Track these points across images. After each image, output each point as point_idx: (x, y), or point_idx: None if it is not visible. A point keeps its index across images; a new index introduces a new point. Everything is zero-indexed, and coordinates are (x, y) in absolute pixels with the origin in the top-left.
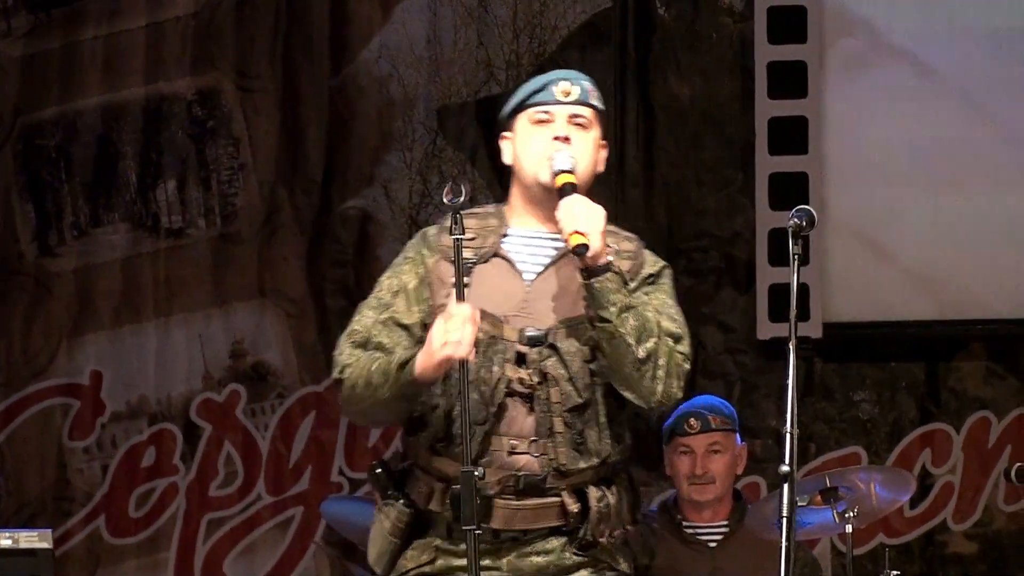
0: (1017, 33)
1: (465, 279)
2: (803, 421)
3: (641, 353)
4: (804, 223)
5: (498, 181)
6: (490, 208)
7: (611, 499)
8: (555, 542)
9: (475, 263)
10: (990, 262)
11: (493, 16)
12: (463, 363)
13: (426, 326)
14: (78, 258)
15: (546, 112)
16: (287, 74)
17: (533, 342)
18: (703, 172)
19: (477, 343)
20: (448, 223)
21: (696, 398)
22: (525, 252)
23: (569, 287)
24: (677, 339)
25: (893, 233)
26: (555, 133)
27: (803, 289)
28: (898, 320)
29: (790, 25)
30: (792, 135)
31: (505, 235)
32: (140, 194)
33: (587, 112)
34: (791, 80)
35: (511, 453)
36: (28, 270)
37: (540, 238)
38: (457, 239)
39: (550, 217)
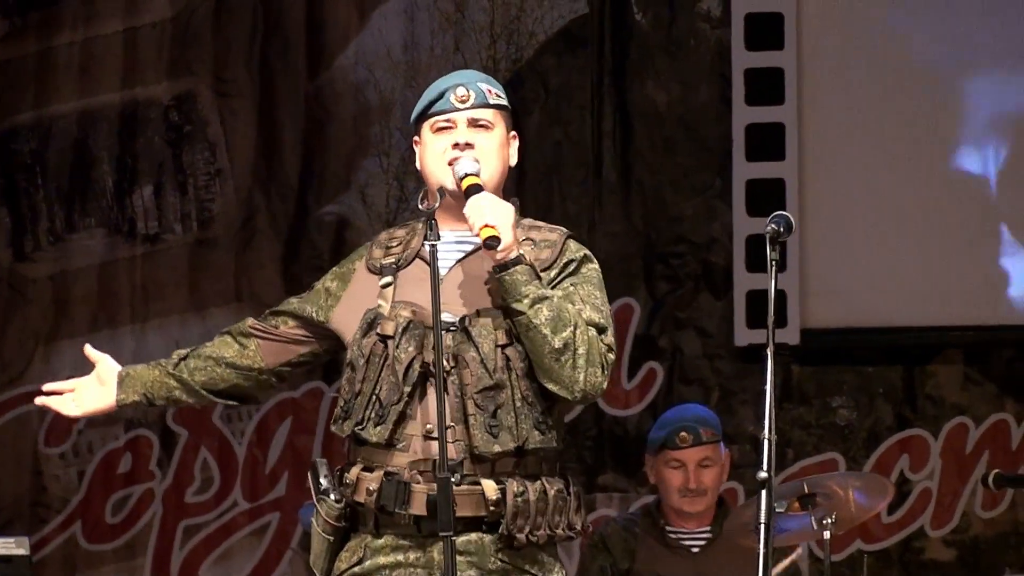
0: (999, 38)
1: (389, 279)
2: (781, 427)
3: (557, 343)
4: (781, 229)
5: None
6: (418, 221)
7: (532, 495)
8: (482, 543)
9: (399, 268)
10: (967, 268)
11: (470, 22)
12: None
13: (310, 320)
14: (54, 264)
15: (447, 120)
16: (264, 79)
17: (447, 327)
18: (680, 178)
19: (396, 328)
20: (382, 236)
21: (682, 407)
22: (443, 250)
23: (480, 279)
24: (601, 330)
25: (870, 239)
26: (455, 140)
27: (780, 295)
28: (875, 326)
29: (767, 32)
30: (769, 141)
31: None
32: (116, 199)
33: (487, 114)
34: (768, 87)
35: (427, 438)
36: (3, 276)
37: (453, 238)
38: (432, 245)
39: (459, 218)
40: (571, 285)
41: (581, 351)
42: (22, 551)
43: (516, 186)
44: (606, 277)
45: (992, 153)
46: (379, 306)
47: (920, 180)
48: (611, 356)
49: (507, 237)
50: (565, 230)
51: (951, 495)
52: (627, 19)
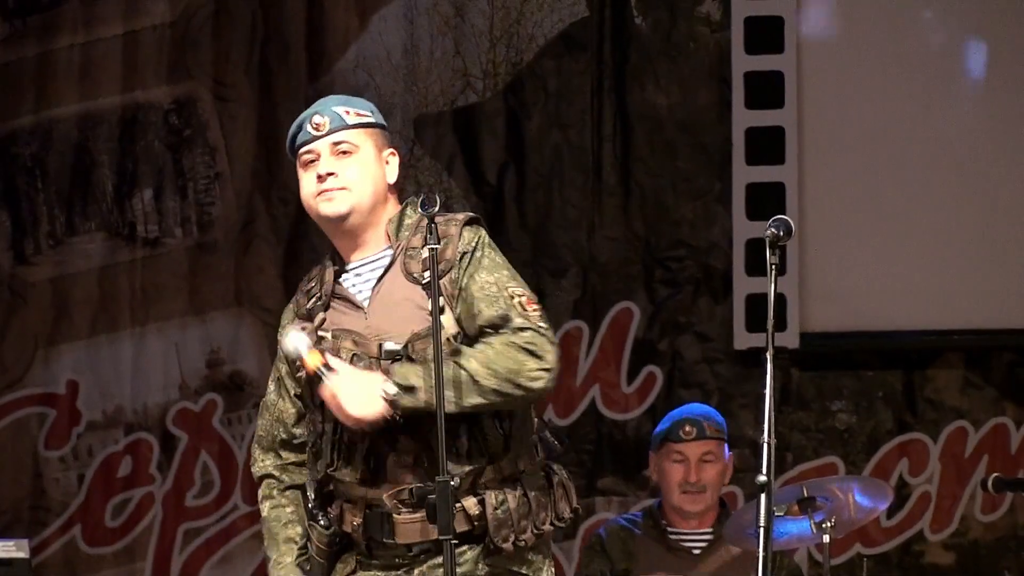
0: (998, 40)
1: (321, 316)
2: (780, 431)
3: (479, 400)
4: (781, 233)
5: (475, 191)
6: (327, 257)
7: (512, 503)
8: (468, 554)
9: (321, 307)
10: (967, 272)
11: (470, 25)
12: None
13: (300, 396)
14: (54, 267)
15: (309, 151)
16: (264, 83)
17: (390, 355)
18: (680, 181)
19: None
20: (302, 285)
21: (688, 406)
22: (356, 282)
23: (400, 300)
24: (503, 323)
25: (870, 243)
26: (318, 172)
27: (780, 299)
28: (875, 330)
29: (767, 35)
30: (769, 145)
31: (337, 272)
32: (116, 203)
33: (348, 135)
34: (768, 90)
35: (397, 467)
36: (4, 279)
37: (361, 265)
38: (432, 248)
39: (356, 244)
40: (468, 281)
41: (505, 378)
42: (22, 554)
43: (516, 190)
44: (605, 281)
45: (991, 157)
46: (321, 339)
47: (920, 183)
48: (526, 335)
49: (377, 408)
50: (462, 217)
51: (950, 499)
52: (627, 22)
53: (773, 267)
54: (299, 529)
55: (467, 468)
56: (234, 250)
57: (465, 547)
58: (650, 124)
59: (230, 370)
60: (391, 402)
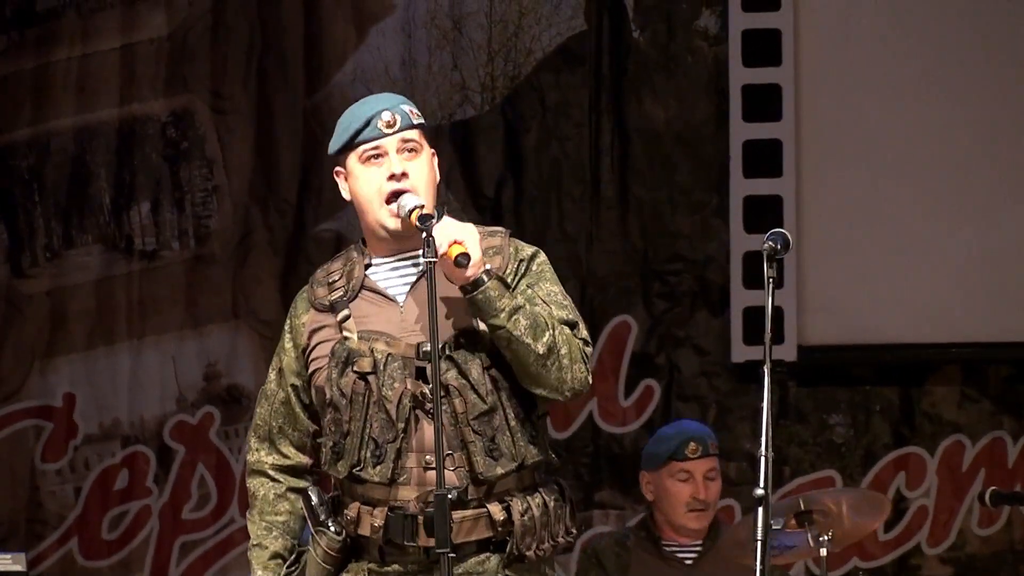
0: (998, 54)
1: (345, 312)
2: (777, 444)
3: (541, 349)
4: (779, 246)
5: (472, 204)
6: (351, 248)
7: (535, 511)
8: (488, 563)
9: (347, 300)
10: (964, 285)
11: (468, 39)
12: (367, 385)
13: (308, 386)
14: (51, 280)
15: (375, 148)
16: (261, 95)
17: (430, 356)
18: (677, 195)
19: (375, 363)
20: (319, 275)
21: (681, 422)
22: (391, 277)
23: (439, 299)
24: (572, 325)
25: (868, 256)
26: (390, 171)
27: (777, 312)
28: (872, 344)
29: (765, 48)
30: (767, 158)
31: (368, 266)
32: (114, 216)
33: (414, 134)
34: (766, 103)
35: (427, 469)
36: (0, 292)
37: (400, 261)
38: (430, 262)
39: (403, 244)
40: (528, 287)
41: (564, 351)
42: (19, 567)
43: (514, 204)
44: (603, 295)
45: (990, 171)
46: (347, 339)
47: (918, 196)
48: (588, 350)
49: (476, 253)
50: (503, 229)
51: (948, 513)
52: (625, 36)
53: (771, 280)
54: (288, 542)
55: (499, 472)
56: (231, 263)
57: (486, 554)
58: (648, 137)
59: (227, 383)
60: (483, 274)
